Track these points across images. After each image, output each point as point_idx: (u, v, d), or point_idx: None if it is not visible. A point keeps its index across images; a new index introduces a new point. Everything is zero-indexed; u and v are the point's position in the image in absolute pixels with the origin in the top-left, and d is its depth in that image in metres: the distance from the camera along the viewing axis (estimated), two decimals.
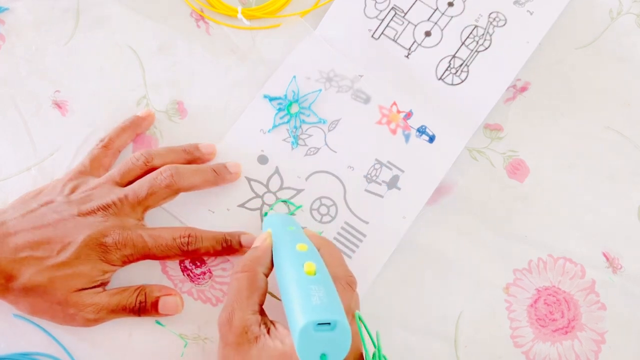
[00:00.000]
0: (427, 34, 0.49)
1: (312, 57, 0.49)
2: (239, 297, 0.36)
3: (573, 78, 0.50)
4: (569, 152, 0.48)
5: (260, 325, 0.35)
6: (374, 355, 0.35)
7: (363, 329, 0.35)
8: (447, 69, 0.49)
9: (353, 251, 0.46)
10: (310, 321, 0.31)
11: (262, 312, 0.37)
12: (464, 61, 0.49)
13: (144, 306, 0.41)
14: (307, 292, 0.33)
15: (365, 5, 0.50)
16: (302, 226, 0.44)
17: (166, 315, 0.42)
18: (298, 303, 0.32)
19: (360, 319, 0.34)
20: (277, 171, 0.47)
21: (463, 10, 0.49)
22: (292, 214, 0.46)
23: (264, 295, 0.37)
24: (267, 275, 0.38)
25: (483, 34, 0.49)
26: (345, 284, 0.37)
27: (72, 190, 0.42)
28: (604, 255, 0.47)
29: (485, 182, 0.48)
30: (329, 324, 0.31)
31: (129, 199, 0.41)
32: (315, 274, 0.34)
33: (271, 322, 0.36)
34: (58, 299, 0.39)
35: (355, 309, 0.37)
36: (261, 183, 0.47)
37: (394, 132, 0.48)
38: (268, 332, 0.35)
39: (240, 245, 0.43)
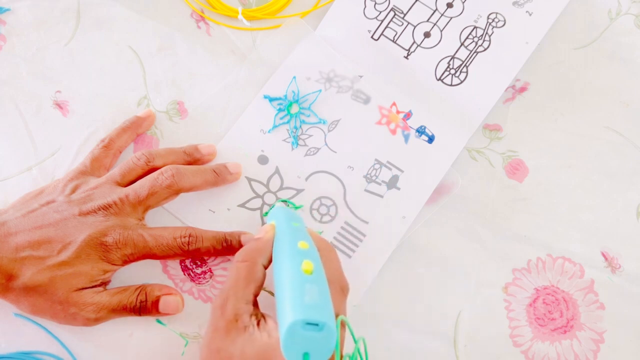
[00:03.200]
0: (427, 34, 0.49)
1: (312, 58, 0.49)
2: (236, 286, 0.36)
3: (572, 78, 0.50)
4: (568, 152, 0.49)
5: (251, 316, 0.35)
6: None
7: (344, 334, 0.35)
8: (446, 70, 0.49)
9: (353, 251, 0.46)
10: (299, 319, 0.31)
11: (255, 304, 0.37)
12: (463, 62, 0.49)
13: (145, 305, 0.41)
14: (301, 290, 0.33)
15: (365, 6, 0.50)
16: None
17: (167, 314, 0.42)
18: (290, 299, 0.33)
19: (347, 323, 0.34)
20: (277, 171, 0.47)
21: (462, 11, 0.50)
22: None
23: (260, 287, 0.38)
24: (266, 268, 0.38)
25: (482, 35, 0.49)
26: (339, 288, 0.37)
27: (73, 190, 0.42)
28: (603, 255, 0.47)
29: (484, 182, 0.48)
30: (317, 324, 0.31)
31: (129, 199, 0.41)
32: (312, 273, 0.34)
33: (262, 315, 0.36)
34: (59, 299, 0.39)
35: (343, 315, 0.36)
36: (261, 183, 0.47)
37: (393, 132, 0.48)
38: (258, 324, 0.35)
39: (241, 244, 0.43)
